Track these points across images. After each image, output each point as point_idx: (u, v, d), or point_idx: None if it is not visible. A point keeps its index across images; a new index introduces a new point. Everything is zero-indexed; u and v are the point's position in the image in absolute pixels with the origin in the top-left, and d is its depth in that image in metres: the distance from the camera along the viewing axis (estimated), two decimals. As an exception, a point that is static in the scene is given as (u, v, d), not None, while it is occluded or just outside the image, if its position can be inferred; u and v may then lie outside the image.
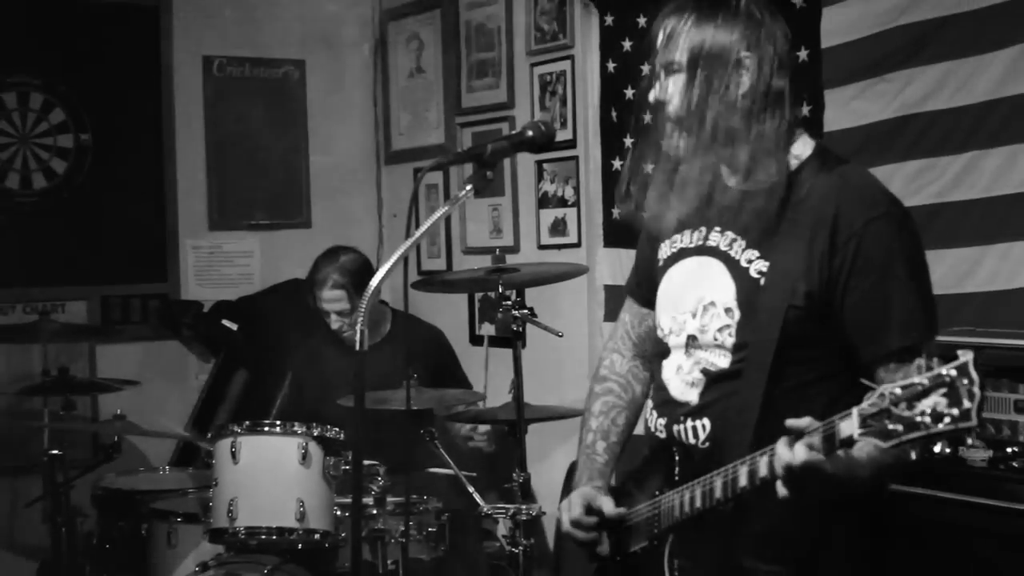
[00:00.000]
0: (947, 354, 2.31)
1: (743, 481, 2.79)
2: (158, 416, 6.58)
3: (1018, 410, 3.95)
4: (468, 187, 3.07)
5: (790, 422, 2.63)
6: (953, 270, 4.68)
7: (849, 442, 2.50)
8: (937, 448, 2.34)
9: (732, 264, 3.04)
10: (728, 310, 3.02)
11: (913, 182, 4.80)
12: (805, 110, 5.13)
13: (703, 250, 3.13)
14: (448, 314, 6.67)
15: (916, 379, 2.34)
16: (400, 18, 7.79)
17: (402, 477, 4.78)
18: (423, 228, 3.10)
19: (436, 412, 5.53)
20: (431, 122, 7.55)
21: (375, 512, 4.79)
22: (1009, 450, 3.96)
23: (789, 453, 2.60)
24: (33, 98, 7.03)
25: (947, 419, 2.28)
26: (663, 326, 3.21)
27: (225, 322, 7.23)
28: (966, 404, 2.26)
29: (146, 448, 7.04)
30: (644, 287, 3.41)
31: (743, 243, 3.04)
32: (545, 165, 6.50)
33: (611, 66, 6.08)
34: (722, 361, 3.03)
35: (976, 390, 2.26)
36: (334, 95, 7.92)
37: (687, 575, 3.00)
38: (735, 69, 3.03)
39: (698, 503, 2.93)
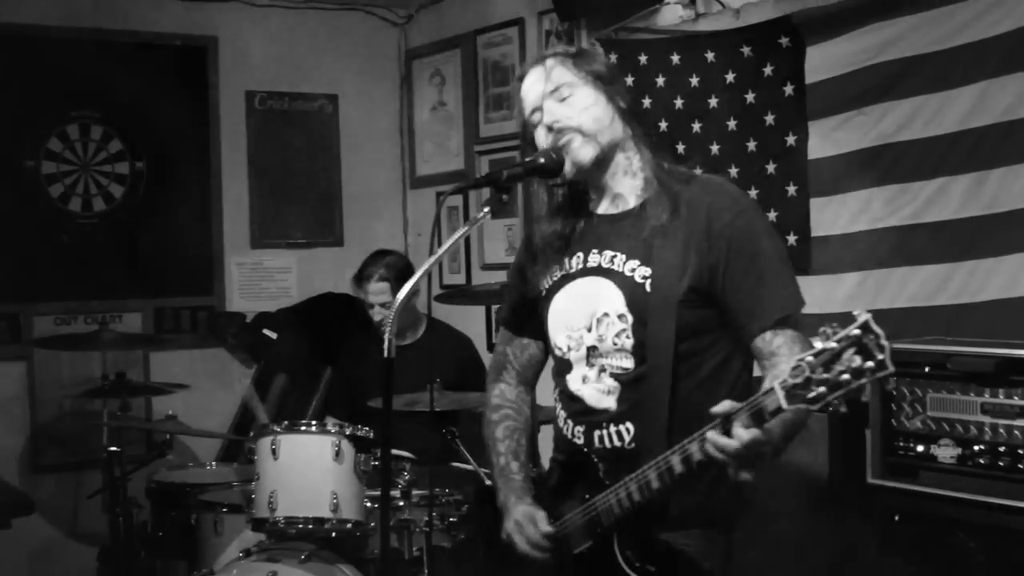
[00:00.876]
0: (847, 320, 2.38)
1: (679, 468, 2.81)
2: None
3: (984, 412, 3.93)
4: (486, 209, 3.08)
5: (713, 409, 2.67)
6: (925, 285, 4.68)
7: (778, 413, 2.54)
8: (865, 398, 2.41)
9: (616, 276, 3.10)
10: (621, 316, 3.07)
11: (889, 205, 4.80)
12: (791, 140, 5.13)
13: (585, 272, 3.18)
14: (467, 324, 6.65)
15: (826, 344, 2.39)
16: (424, 56, 7.81)
17: (426, 471, 4.79)
18: (445, 246, 3.11)
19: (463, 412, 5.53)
20: (452, 150, 7.56)
21: (402, 504, 4.78)
22: (976, 448, 3.95)
23: (728, 440, 2.64)
24: (94, 130, 7.06)
25: (867, 372, 2.34)
26: (560, 345, 3.24)
27: (265, 331, 7.24)
28: (879, 356, 2.33)
29: (195, 445, 7.05)
30: (521, 317, 3.45)
31: (623, 257, 3.10)
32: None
33: (615, 100, 6.07)
34: (626, 362, 3.08)
35: (884, 342, 2.33)
36: (364, 126, 7.93)
37: (639, 559, 3.00)
38: (615, 88, 3.16)
39: (637, 496, 2.93)
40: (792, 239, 5.12)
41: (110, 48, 7.08)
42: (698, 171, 3.26)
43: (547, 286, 3.28)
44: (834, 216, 5.01)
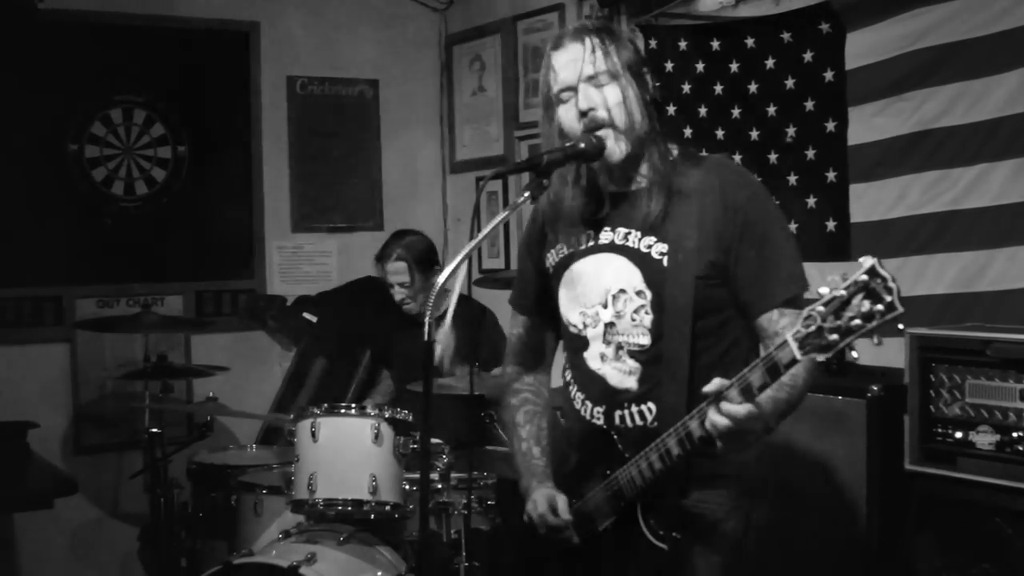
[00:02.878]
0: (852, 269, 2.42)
1: (697, 432, 2.85)
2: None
3: (1023, 399, 3.91)
4: (526, 194, 3.08)
5: (706, 388, 2.73)
6: (965, 271, 4.65)
7: (792, 364, 2.57)
8: (876, 341, 2.41)
9: (631, 253, 3.12)
10: (639, 292, 3.10)
11: (929, 191, 4.77)
12: (831, 126, 5.11)
13: (597, 248, 3.20)
14: (506, 308, 6.65)
15: (835, 293, 2.42)
16: (464, 42, 7.81)
17: (464, 454, 4.79)
18: (485, 231, 3.11)
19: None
20: (492, 135, 7.56)
21: (440, 486, 4.80)
22: (1015, 435, 3.92)
23: (721, 417, 2.71)
24: (136, 114, 7.09)
25: (877, 315, 2.36)
26: (574, 323, 3.26)
27: (306, 315, 7.26)
28: (887, 297, 2.35)
29: (235, 427, 7.09)
30: (531, 299, 3.49)
31: (637, 234, 3.12)
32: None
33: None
34: (643, 339, 3.11)
35: (892, 284, 2.35)
36: (404, 111, 7.94)
37: (664, 527, 3.04)
38: (645, 78, 3.14)
39: (658, 465, 2.98)
40: (831, 225, 5.11)
41: (153, 33, 7.10)
42: (703, 152, 3.25)
43: (554, 263, 3.32)
44: (874, 202, 4.98)
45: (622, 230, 3.15)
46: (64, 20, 6.76)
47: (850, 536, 4.40)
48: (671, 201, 3.08)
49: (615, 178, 3.19)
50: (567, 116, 3.14)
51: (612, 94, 3.09)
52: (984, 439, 4.01)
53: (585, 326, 3.22)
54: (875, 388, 4.34)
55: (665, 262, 3.06)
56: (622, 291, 3.12)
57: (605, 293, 3.15)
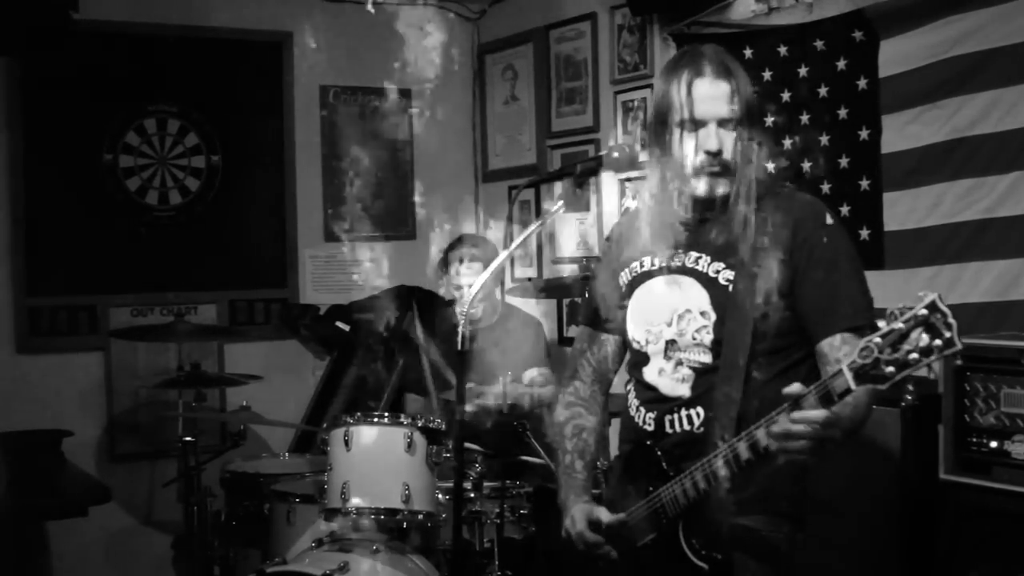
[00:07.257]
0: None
1: (746, 455, 2.87)
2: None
3: (1059, 407, 3.91)
4: (560, 203, 3.09)
5: (786, 390, 2.71)
6: (1000, 280, 4.63)
7: (846, 394, 2.59)
8: (930, 374, 2.46)
9: (702, 277, 3.19)
10: (704, 313, 3.16)
11: (962, 199, 4.76)
12: (864, 134, 5.09)
13: (671, 270, 3.25)
14: (539, 317, 6.67)
15: (893, 325, 2.44)
16: (496, 51, 7.82)
17: (497, 464, 4.79)
18: (520, 239, 3.14)
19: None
20: (524, 144, 7.56)
21: (473, 496, 4.80)
22: (1051, 444, 3.93)
23: (799, 415, 2.68)
24: (170, 124, 7.12)
25: (935, 350, 2.39)
26: (638, 338, 3.32)
27: (338, 324, 7.27)
28: (946, 333, 2.39)
29: (268, 436, 7.11)
30: (599, 315, 3.49)
31: (708, 259, 3.18)
32: (627, 183, 6.49)
33: (687, 94, 6.04)
34: (703, 357, 3.16)
35: (951, 320, 2.39)
36: (437, 120, 7.94)
37: (705, 547, 3.06)
38: (759, 118, 3.29)
39: (703, 484, 3.00)
40: (865, 234, 5.09)
41: (187, 43, 7.14)
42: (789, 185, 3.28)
43: (628, 280, 3.36)
44: (908, 210, 4.97)
45: (693, 254, 3.22)
46: (99, 30, 6.80)
47: (884, 546, 4.39)
48: (744, 231, 3.13)
49: (696, 204, 3.22)
50: (687, 145, 3.16)
51: (735, 138, 3.15)
52: (1019, 449, 4.00)
53: (647, 342, 3.28)
54: (909, 397, 4.33)
55: (730, 288, 3.13)
56: (688, 311, 3.18)
57: (672, 312, 3.22)
